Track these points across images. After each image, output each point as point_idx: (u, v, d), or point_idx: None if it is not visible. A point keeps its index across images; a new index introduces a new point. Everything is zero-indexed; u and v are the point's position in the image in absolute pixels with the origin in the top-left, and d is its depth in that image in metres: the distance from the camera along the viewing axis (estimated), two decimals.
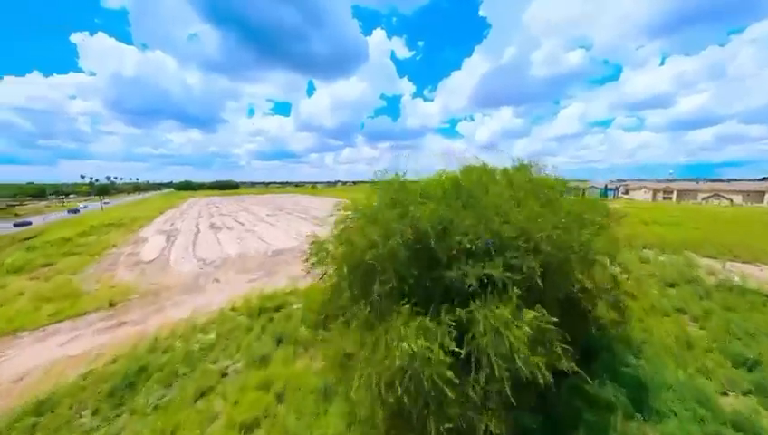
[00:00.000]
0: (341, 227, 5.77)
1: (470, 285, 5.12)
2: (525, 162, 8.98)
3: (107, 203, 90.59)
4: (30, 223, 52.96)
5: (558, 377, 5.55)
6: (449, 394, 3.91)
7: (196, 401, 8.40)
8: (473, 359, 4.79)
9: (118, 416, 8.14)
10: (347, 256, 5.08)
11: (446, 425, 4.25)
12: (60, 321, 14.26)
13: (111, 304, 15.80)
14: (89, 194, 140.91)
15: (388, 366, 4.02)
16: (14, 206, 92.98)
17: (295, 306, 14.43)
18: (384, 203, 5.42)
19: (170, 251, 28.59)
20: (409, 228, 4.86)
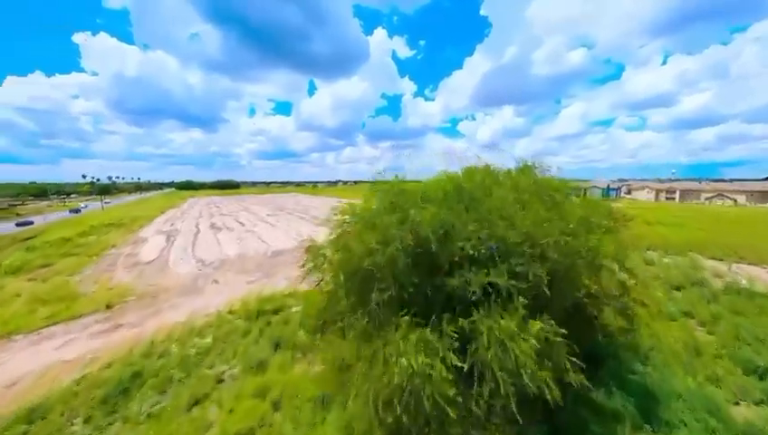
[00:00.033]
0: (339, 231, 5.52)
1: (473, 293, 4.86)
2: (529, 163, 8.73)
3: (108, 203, 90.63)
4: (32, 222, 53.10)
5: (563, 385, 5.30)
6: (451, 414, 3.67)
7: (190, 408, 8.18)
8: (476, 372, 4.55)
9: (110, 424, 7.93)
10: (344, 262, 4.84)
11: None
12: (55, 323, 14.08)
13: (108, 307, 15.61)
14: (90, 193, 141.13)
15: (386, 383, 3.78)
16: (16, 205, 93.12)
17: (294, 309, 14.21)
18: (383, 207, 5.17)
19: (169, 252, 28.41)
20: (409, 234, 4.61)
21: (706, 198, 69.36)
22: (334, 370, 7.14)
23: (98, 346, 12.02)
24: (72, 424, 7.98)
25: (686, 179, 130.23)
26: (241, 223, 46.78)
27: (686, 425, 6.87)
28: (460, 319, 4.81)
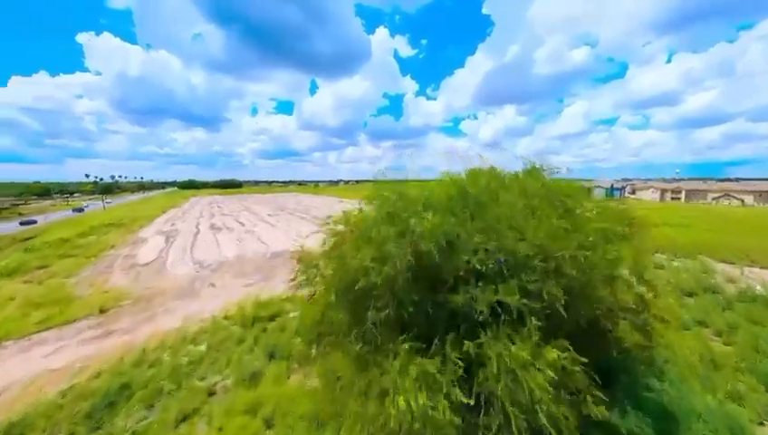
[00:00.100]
0: (332, 241, 5.06)
1: (480, 313, 4.36)
2: (536, 164, 8.20)
3: (109, 202, 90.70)
4: (35, 221, 53.28)
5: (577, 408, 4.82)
6: None
7: (177, 425, 7.74)
8: (483, 400, 4.06)
9: None
10: (336, 279, 4.37)
11: None
12: (47, 328, 13.72)
13: (102, 311, 15.24)
14: (93, 193, 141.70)
15: (381, 424, 3.33)
16: (18, 205, 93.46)
17: (291, 315, 13.76)
18: (380, 216, 4.68)
19: (168, 253, 28.09)
20: (409, 248, 4.13)
21: (713, 199, 68.31)
22: (330, 386, 6.66)
23: (89, 354, 11.64)
24: None
25: (691, 179, 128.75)
26: (241, 223, 46.47)
27: None
28: (466, 342, 4.31)
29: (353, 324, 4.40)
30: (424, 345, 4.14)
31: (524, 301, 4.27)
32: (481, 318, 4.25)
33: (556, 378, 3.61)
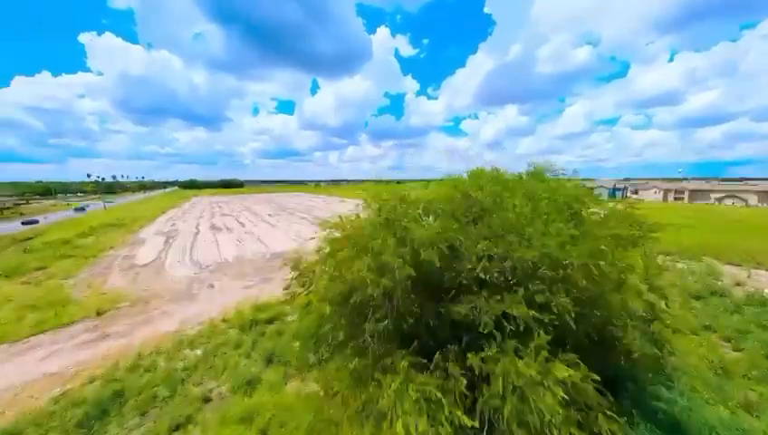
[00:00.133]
0: (328, 250, 4.80)
1: (485, 325, 4.10)
2: (540, 165, 7.94)
3: (110, 202, 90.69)
4: (37, 221, 53.40)
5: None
6: None
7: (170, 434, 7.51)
8: (487, 419, 3.80)
9: None
10: (332, 291, 4.12)
11: None
12: (43, 332, 13.52)
13: (99, 314, 15.04)
14: (96, 192, 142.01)
15: None
16: (20, 205, 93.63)
17: (290, 318, 13.52)
18: (379, 222, 4.42)
19: (167, 254, 27.91)
20: (409, 255, 3.87)
21: (716, 199, 67.77)
22: (327, 394, 6.41)
23: (83, 358, 11.43)
24: None
25: (693, 178, 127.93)
26: (241, 223, 46.30)
27: None
28: (469, 355, 4.04)
29: (350, 337, 4.15)
30: (425, 361, 3.90)
31: (532, 312, 4.00)
32: (486, 331, 3.98)
33: (567, 397, 3.36)
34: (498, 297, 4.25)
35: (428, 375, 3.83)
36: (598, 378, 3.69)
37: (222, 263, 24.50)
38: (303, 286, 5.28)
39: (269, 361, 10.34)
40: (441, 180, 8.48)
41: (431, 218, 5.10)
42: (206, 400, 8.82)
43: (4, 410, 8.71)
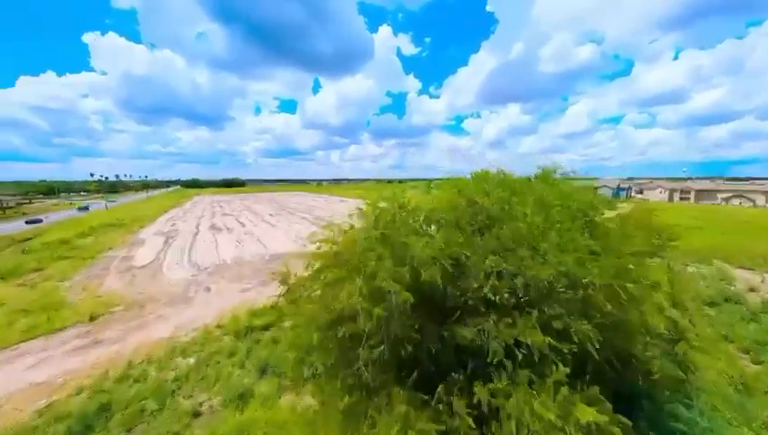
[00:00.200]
0: (317, 266, 4.31)
1: (494, 353, 3.61)
2: (548, 167, 7.42)
3: (112, 202, 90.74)
4: (41, 220, 53.59)
5: None
6: None
7: None
8: None
9: None
10: (320, 318, 3.64)
11: None
12: (34, 337, 13.17)
13: (92, 319, 14.68)
14: (99, 192, 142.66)
15: None
16: (23, 204, 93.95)
17: (287, 323, 13.09)
18: (374, 237, 3.91)
19: (165, 255, 27.58)
20: (408, 274, 3.39)
21: (723, 199, 66.71)
22: (322, 411, 5.95)
23: (73, 366, 11.05)
24: None
25: (698, 178, 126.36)
26: (241, 223, 45.98)
27: None
28: (476, 387, 3.55)
29: (341, 366, 3.69)
30: (425, 397, 3.42)
31: (549, 339, 3.50)
32: (495, 360, 3.49)
33: None
34: (509, 320, 3.75)
35: (430, 412, 3.35)
36: (628, 423, 3.19)
37: (220, 265, 24.13)
38: (293, 303, 4.82)
39: (263, 371, 9.90)
40: (444, 182, 7.95)
41: (433, 228, 4.60)
42: (196, 414, 8.40)
43: None
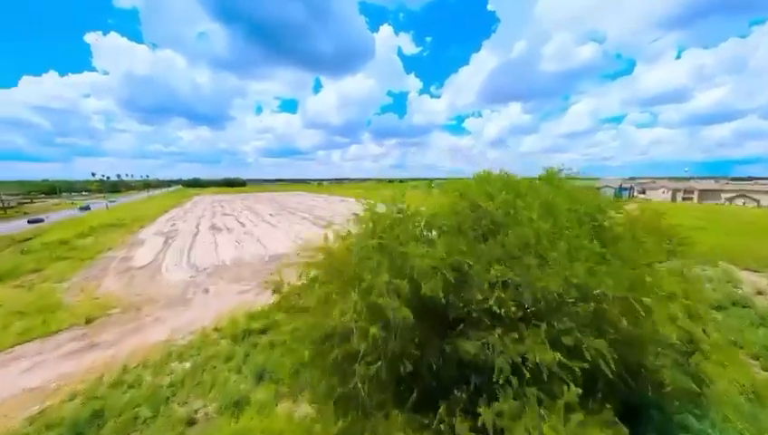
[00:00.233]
0: (311, 274, 4.06)
1: (500, 372, 3.37)
2: (553, 169, 7.17)
3: (112, 202, 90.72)
4: (43, 220, 53.76)
5: None
6: None
7: None
8: None
9: None
10: (311, 336, 3.39)
11: None
12: (30, 340, 12.99)
13: (88, 321, 14.49)
14: (100, 191, 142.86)
15: None
16: (24, 204, 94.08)
17: (284, 327, 12.86)
18: (371, 246, 3.63)
19: (164, 255, 27.41)
20: (407, 288, 3.15)
21: (727, 199, 66.16)
22: (320, 419, 5.72)
23: (67, 370, 10.86)
24: None
25: (700, 177, 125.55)
26: (241, 223, 45.81)
27: None
28: (481, 407, 3.31)
29: (335, 385, 3.45)
30: (425, 421, 3.18)
31: (559, 356, 3.25)
32: (501, 380, 3.24)
33: None
34: (515, 335, 3.50)
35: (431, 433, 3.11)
36: None
37: (219, 265, 23.93)
38: (287, 312, 4.58)
39: (260, 377, 9.68)
40: (445, 183, 7.68)
41: (434, 234, 4.34)
42: (191, 422, 8.18)
43: None
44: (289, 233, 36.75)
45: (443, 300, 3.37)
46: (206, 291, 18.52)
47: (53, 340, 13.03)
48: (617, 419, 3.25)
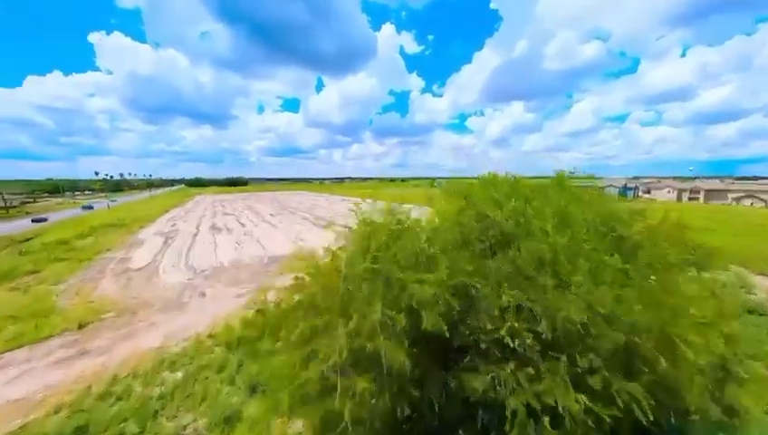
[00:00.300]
0: (296, 298, 3.60)
1: (513, 412, 2.87)
2: (563, 172, 6.64)
3: (113, 202, 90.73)
4: (46, 219, 53.92)
5: None
6: None
7: None
8: None
9: None
10: (294, 380, 2.93)
11: None
12: (19, 347, 12.64)
13: (81, 326, 14.14)
14: (103, 190, 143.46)
15: None
16: (27, 203, 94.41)
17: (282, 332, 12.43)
18: (363, 270, 3.13)
19: (163, 256, 27.08)
20: (405, 320, 2.67)
21: (734, 199, 65.09)
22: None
23: (55, 380, 10.48)
24: None
25: (705, 177, 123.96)
26: (242, 223, 45.48)
27: None
28: None
29: (324, 427, 2.98)
30: None
31: (584, 400, 2.75)
32: (514, 430, 2.75)
33: None
34: (531, 372, 3.00)
35: None
36: None
37: (217, 267, 23.56)
38: (270, 336, 4.13)
39: (253, 389, 9.24)
40: (448, 184, 7.14)
41: (436, 248, 3.85)
42: None
43: None
44: (289, 233, 36.35)
45: (446, 334, 2.88)
46: (203, 294, 18.13)
47: (44, 346, 12.67)
48: None
